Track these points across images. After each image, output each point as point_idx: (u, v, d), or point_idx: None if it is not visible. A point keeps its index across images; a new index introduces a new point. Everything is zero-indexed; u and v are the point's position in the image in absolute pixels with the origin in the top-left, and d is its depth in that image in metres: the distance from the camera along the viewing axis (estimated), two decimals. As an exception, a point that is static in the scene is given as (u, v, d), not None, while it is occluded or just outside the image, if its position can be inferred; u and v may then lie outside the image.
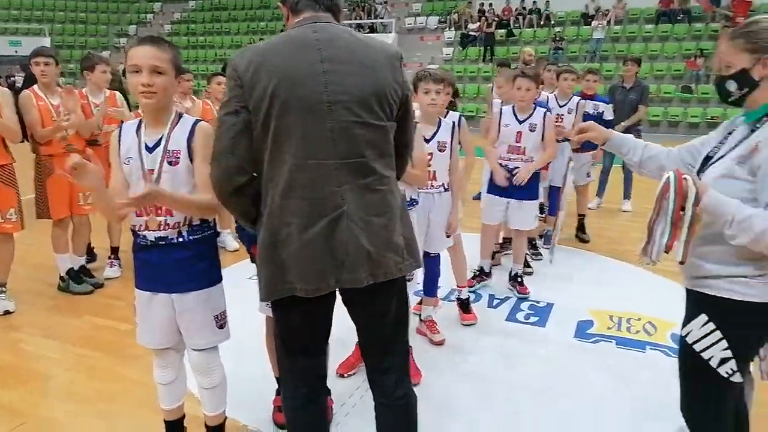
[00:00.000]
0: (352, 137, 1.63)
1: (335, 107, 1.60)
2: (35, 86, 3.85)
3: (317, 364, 1.88)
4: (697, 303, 1.72)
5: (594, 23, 17.58)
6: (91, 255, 4.57)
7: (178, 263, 2.02)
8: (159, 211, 1.99)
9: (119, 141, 2.01)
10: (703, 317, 1.68)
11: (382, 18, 21.01)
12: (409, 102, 1.81)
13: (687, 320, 1.75)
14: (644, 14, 18.36)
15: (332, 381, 2.87)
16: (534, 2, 19.74)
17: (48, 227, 4.06)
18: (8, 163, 3.64)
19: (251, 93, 1.60)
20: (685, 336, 1.74)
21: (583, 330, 3.49)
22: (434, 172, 3.14)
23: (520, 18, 19.74)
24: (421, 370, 2.91)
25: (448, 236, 3.27)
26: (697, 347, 1.69)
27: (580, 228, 5.50)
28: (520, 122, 3.83)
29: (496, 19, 19.52)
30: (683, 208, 1.53)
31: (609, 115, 5.35)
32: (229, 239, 5.16)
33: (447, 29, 20.31)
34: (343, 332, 3.21)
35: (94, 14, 25.97)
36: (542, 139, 3.86)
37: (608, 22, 17.79)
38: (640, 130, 6.23)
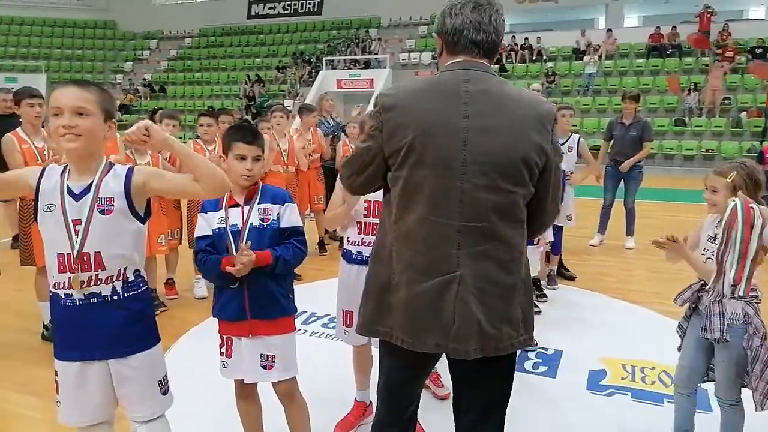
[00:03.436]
0: (482, 201, 1.55)
1: (470, 168, 1.54)
2: (18, 129, 3.71)
3: (408, 406, 1.84)
4: None
5: (586, 58, 17.80)
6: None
7: (115, 324, 1.81)
8: (86, 266, 1.75)
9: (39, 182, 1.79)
10: None
11: (377, 54, 21.22)
12: (553, 168, 1.63)
13: None
14: (634, 49, 18.63)
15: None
16: (526, 38, 20.01)
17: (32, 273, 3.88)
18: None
19: (389, 137, 1.59)
20: None
21: (595, 380, 3.30)
22: None
23: (513, 53, 19.99)
24: (426, 429, 2.71)
25: None
26: None
27: (561, 265, 5.32)
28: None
29: (490, 54, 19.72)
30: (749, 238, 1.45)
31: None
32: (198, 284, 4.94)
33: (441, 64, 20.50)
34: (340, 388, 3.07)
35: (91, 51, 26.19)
36: None
37: (600, 57, 18.02)
38: (641, 167, 6.16)
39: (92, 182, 1.78)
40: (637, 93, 6.19)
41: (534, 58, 19.60)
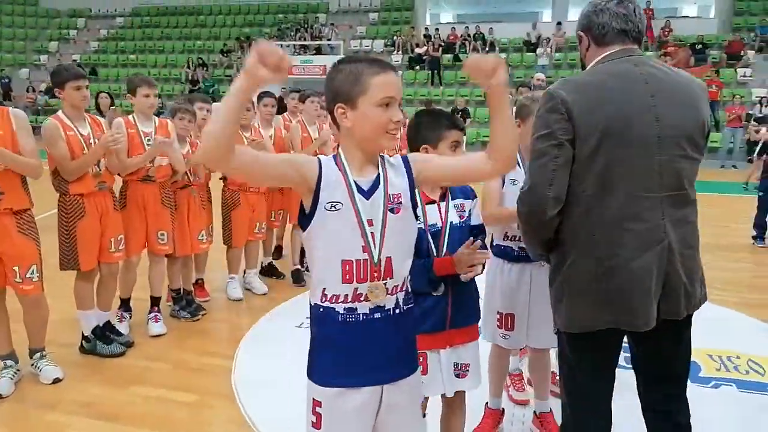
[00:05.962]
0: (677, 171, 1.68)
1: (664, 142, 1.66)
2: (60, 113, 3.23)
3: (610, 394, 1.90)
4: None
5: (539, 50, 18.22)
6: (127, 309, 3.87)
7: (395, 342, 1.52)
8: (375, 274, 1.45)
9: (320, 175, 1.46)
10: None
11: (329, 40, 20.75)
12: None
13: None
14: (582, 42, 19.27)
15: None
16: (477, 27, 20.20)
17: (63, 277, 3.41)
18: (27, 209, 2.99)
19: (581, 127, 1.64)
20: None
21: (695, 373, 3.29)
22: None
23: (466, 43, 20.14)
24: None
25: None
26: None
27: None
28: None
29: (443, 43, 19.79)
30: None
31: None
32: (256, 281, 4.63)
33: (394, 53, 20.35)
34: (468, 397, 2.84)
35: (10, 29, 23.95)
36: None
37: (551, 49, 18.50)
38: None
39: (378, 176, 1.49)
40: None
41: (487, 49, 19.81)
